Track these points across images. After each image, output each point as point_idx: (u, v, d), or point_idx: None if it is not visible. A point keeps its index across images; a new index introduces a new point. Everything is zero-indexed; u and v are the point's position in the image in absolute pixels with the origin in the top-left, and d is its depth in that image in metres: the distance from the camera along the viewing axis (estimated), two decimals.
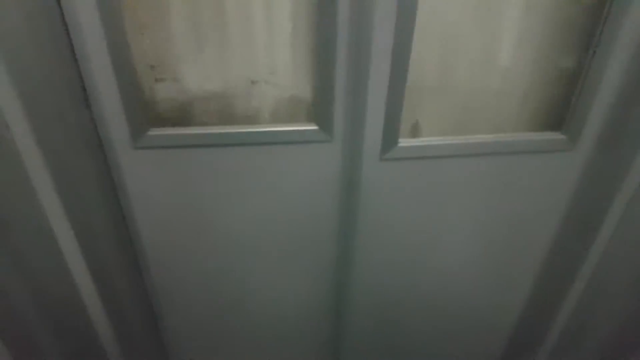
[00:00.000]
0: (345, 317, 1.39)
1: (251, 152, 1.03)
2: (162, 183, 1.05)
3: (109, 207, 1.09)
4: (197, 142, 0.99)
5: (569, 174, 1.12)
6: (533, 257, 1.30)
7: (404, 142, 1.04)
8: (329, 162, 1.08)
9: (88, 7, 0.82)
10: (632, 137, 1.01)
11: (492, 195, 1.15)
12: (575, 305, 1.28)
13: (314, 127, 1.02)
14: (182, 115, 0.98)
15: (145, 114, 0.96)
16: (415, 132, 1.06)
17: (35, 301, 1.04)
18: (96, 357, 1.21)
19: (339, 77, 0.95)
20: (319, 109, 1.00)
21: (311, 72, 0.97)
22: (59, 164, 0.91)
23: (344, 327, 1.42)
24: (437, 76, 1.01)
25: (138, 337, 1.32)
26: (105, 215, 1.09)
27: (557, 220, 1.21)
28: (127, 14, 0.85)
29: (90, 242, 1.04)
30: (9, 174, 0.86)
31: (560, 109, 1.04)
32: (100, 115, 0.94)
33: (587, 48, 0.97)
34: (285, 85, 0.99)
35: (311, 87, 0.99)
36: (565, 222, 1.21)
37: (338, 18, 0.88)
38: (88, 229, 1.03)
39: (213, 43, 0.92)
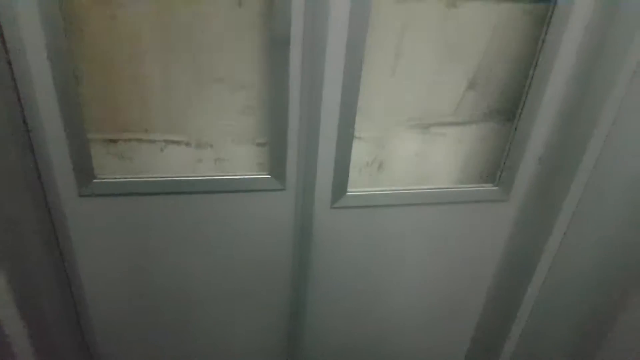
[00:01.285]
0: None
1: (201, 199, 1.03)
2: (107, 231, 1.02)
3: (49, 256, 1.03)
4: (144, 190, 0.98)
5: (504, 222, 1.22)
6: (475, 298, 1.38)
7: (352, 191, 1.09)
8: (281, 210, 1.10)
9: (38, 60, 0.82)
10: (558, 189, 1.12)
11: (435, 241, 1.21)
12: (516, 346, 1.35)
13: (267, 176, 1.05)
14: (128, 164, 0.98)
15: (91, 161, 0.94)
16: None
17: None
18: None
19: (291, 129, 1.00)
20: (272, 159, 1.03)
21: (265, 125, 1.00)
22: None
23: None
24: (382, 131, 1.09)
25: None
26: (45, 266, 1.03)
27: (495, 263, 1.30)
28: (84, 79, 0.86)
29: (29, 295, 0.98)
30: None
31: (494, 164, 1.14)
32: (46, 161, 0.92)
33: (514, 111, 1.08)
34: (239, 140, 1.02)
35: (265, 140, 1.02)
36: (502, 264, 1.30)
37: (290, 72, 0.93)
38: (27, 280, 0.97)
39: (168, 104, 0.94)
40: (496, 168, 1.14)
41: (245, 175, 1.03)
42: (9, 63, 0.82)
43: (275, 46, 0.90)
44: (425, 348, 1.46)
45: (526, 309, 1.28)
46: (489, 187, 1.15)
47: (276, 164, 1.03)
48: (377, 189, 1.11)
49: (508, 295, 1.31)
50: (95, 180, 0.96)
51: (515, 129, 1.08)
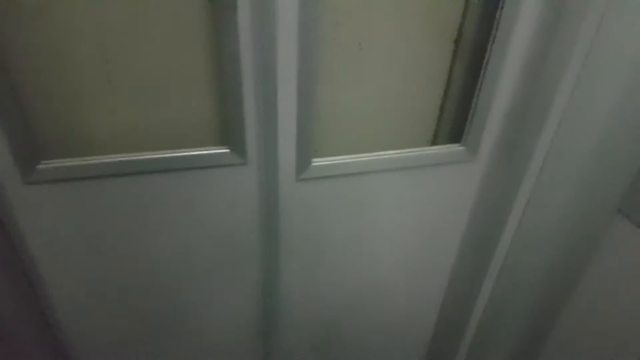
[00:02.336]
0: (274, 338, 1.37)
1: (157, 179, 0.98)
2: (60, 219, 0.96)
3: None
4: (97, 173, 0.92)
5: (470, 183, 1.21)
6: (445, 260, 1.39)
7: (317, 161, 1.05)
8: (244, 185, 1.06)
9: None
10: (525, 147, 1.12)
11: (403, 206, 1.20)
12: (486, 304, 1.37)
13: (226, 150, 1.00)
14: (78, 144, 0.91)
15: (34, 144, 0.88)
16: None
17: None
18: None
19: (247, 99, 0.94)
20: (230, 132, 0.98)
21: (220, 97, 0.95)
22: None
23: (273, 347, 1.40)
24: (345, 97, 1.05)
25: None
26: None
27: (463, 225, 1.30)
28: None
29: None
30: None
31: (460, 123, 1.12)
32: None
33: (479, 66, 1.05)
34: (195, 112, 0.96)
35: (221, 111, 0.97)
36: (470, 226, 1.30)
37: (240, 37, 0.86)
38: None
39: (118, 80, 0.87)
40: (462, 128, 1.12)
41: (203, 150, 0.98)
42: None
43: (222, 10, 0.84)
44: (399, 313, 1.49)
45: (495, 266, 1.30)
46: (455, 147, 1.13)
47: (235, 137, 0.98)
48: (343, 157, 1.08)
49: (476, 257, 1.33)
50: (39, 166, 0.89)
51: (480, 87, 1.05)
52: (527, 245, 1.25)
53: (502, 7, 0.95)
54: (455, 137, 1.14)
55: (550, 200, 1.17)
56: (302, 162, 1.04)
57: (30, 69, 0.82)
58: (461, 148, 1.12)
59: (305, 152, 1.03)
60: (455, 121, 1.14)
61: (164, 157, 0.96)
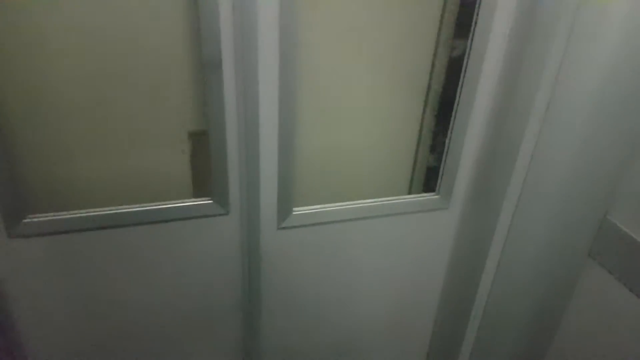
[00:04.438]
0: None
1: (140, 231, 1.00)
2: (44, 273, 0.97)
3: None
4: (82, 226, 0.95)
5: (447, 229, 1.26)
6: (427, 305, 1.40)
7: (298, 210, 1.09)
8: (227, 235, 1.08)
9: None
10: (496, 194, 1.17)
11: (383, 253, 1.23)
12: (471, 349, 1.38)
13: (209, 201, 1.04)
14: (64, 199, 0.94)
15: (20, 199, 0.90)
16: None
17: None
18: None
19: (231, 151, 0.99)
20: (213, 183, 1.02)
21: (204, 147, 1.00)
22: None
23: None
24: (324, 148, 1.10)
25: None
26: None
27: (443, 271, 1.34)
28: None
29: None
30: None
31: (434, 173, 1.18)
32: None
33: (448, 122, 1.12)
34: (179, 162, 1.00)
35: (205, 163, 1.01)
36: (450, 271, 1.33)
37: (225, 93, 0.92)
38: None
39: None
40: (436, 177, 1.17)
41: (186, 202, 1.02)
42: None
43: (208, 69, 0.90)
44: (383, 356, 1.47)
45: (477, 310, 1.31)
46: (430, 196, 1.18)
47: (218, 188, 1.02)
48: (323, 205, 1.11)
49: (459, 300, 1.34)
50: (25, 220, 0.92)
51: (450, 137, 1.11)
52: (506, 289, 1.27)
53: (467, 62, 1.03)
54: (431, 185, 1.19)
55: (525, 243, 1.21)
56: (284, 211, 1.08)
57: (17, 128, 0.87)
58: (436, 196, 1.17)
59: (286, 201, 1.07)
60: (429, 170, 1.19)
61: (147, 210, 0.99)
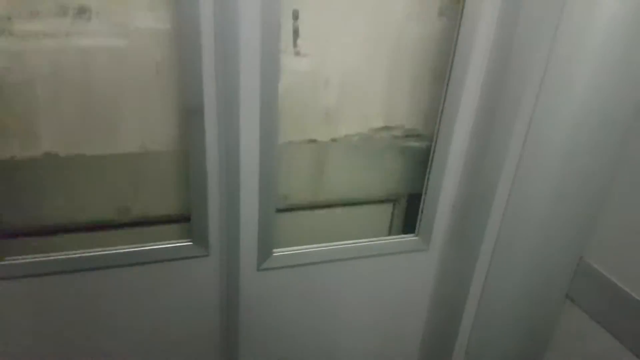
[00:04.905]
0: None
1: (119, 273, 1.00)
2: (18, 315, 0.96)
3: None
4: (59, 269, 0.95)
5: (427, 270, 1.27)
6: (409, 347, 1.39)
7: (277, 251, 1.10)
8: (206, 276, 1.08)
9: None
10: (474, 235, 1.19)
11: (363, 294, 1.24)
12: None
13: (189, 243, 1.04)
14: (42, 242, 0.95)
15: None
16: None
17: None
18: None
19: (212, 194, 1.01)
20: (193, 225, 1.03)
21: (184, 191, 1.01)
22: None
23: None
24: (305, 194, 1.12)
25: None
26: None
27: (424, 311, 1.34)
28: None
29: None
30: None
31: (414, 216, 1.20)
32: None
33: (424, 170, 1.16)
34: (158, 205, 1.02)
35: (184, 204, 1.02)
36: (431, 312, 1.33)
37: (206, 139, 0.95)
38: None
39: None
40: (415, 219, 1.19)
41: (167, 244, 1.02)
42: None
43: (190, 114, 0.93)
44: None
45: (460, 354, 1.30)
46: (410, 237, 1.20)
47: (198, 230, 1.03)
48: (303, 246, 1.12)
49: (441, 340, 1.33)
50: (2, 263, 0.91)
51: (428, 180, 1.14)
52: (487, 332, 1.27)
53: (441, 113, 1.08)
54: (410, 227, 1.21)
55: (503, 285, 1.22)
56: (264, 253, 1.09)
57: None
58: (415, 238, 1.19)
59: (266, 243, 1.08)
60: (408, 213, 1.22)
61: (127, 252, 0.99)
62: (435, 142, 1.10)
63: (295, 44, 0.98)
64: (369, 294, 1.24)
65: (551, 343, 1.19)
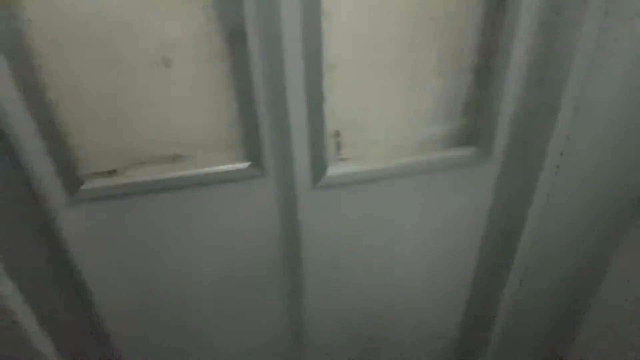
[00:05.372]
0: (304, 343, 1.42)
1: (183, 196, 1.06)
2: (101, 234, 1.07)
3: (52, 264, 1.10)
4: (131, 191, 1.02)
5: (486, 184, 1.22)
6: (467, 260, 1.39)
7: (332, 170, 1.11)
8: (264, 196, 1.12)
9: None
10: (539, 144, 1.11)
11: (421, 210, 1.23)
12: (510, 305, 1.36)
13: (246, 164, 1.07)
14: (115, 167, 1.02)
15: (76, 168, 0.99)
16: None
17: None
18: None
19: (261, 114, 1.01)
20: (247, 146, 1.05)
21: (236, 114, 1.03)
22: None
23: (304, 352, 1.45)
24: (356, 106, 1.09)
25: None
26: (49, 273, 1.10)
27: (482, 226, 1.31)
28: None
29: (39, 303, 1.05)
30: None
31: (471, 126, 1.14)
32: (32, 172, 0.96)
33: (486, 70, 1.07)
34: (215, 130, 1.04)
35: (238, 127, 1.04)
36: (490, 227, 1.30)
37: (252, 59, 0.94)
38: (36, 291, 1.04)
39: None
40: (474, 130, 1.13)
41: (225, 166, 1.06)
42: None
43: (232, 39, 0.91)
44: (422, 318, 1.49)
45: (518, 267, 1.28)
46: (468, 150, 1.14)
47: (252, 151, 1.05)
48: (358, 164, 1.12)
49: (498, 257, 1.32)
50: (82, 187, 1.01)
51: (489, 84, 1.06)
52: (549, 244, 1.23)
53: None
54: (469, 138, 1.15)
55: (569, 195, 1.15)
56: (318, 171, 1.10)
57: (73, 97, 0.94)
58: (474, 150, 1.14)
59: (319, 160, 1.09)
60: (467, 123, 1.15)
61: (191, 174, 1.05)
62: (498, 37, 1.00)
63: None
64: (426, 210, 1.23)
65: (616, 255, 1.13)
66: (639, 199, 1.05)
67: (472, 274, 1.41)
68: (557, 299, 1.32)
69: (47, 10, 0.83)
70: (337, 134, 1.10)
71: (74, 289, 1.15)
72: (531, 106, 1.09)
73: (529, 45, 1.01)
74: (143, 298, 1.21)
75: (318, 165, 1.09)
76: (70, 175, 0.98)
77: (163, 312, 1.25)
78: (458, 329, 1.57)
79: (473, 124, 1.13)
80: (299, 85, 0.97)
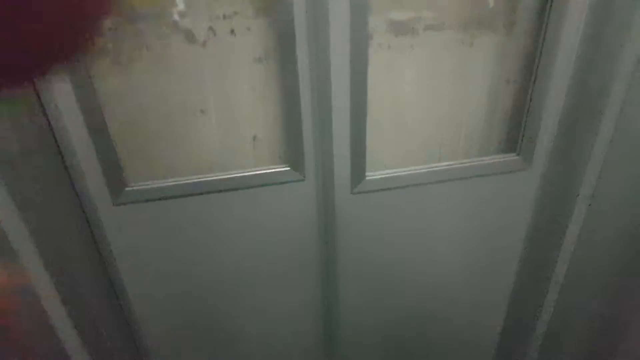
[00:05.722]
0: (335, 350, 1.42)
1: (229, 197, 1.07)
2: (143, 235, 1.08)
3: (92, 264, 1.11)
4: (174, 194, 1.03)
5: (528, 190, 1.20)
6: (507, 270, 1.37)
7: (371, 175, 1.10)
8: (303, 200, 1.12)
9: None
10: (579, 151, 1.10)
11: (460, 217, 1.21)
12: (553, 309, 1.33)
13: (287, 168, 1.08)
14: (159, 169, 1.03)
15: (122, 170, 1.00)
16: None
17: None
18: None
19: (306, 119, 1.02)
20: (289, 150, 1.06)
21: (280, 118, 1.03)
22: (39, 224, 0.93)
23: (336, 354, 1.44)
24: (396, 111, 1.09)
25: None
26: (89, 273, 1.11)
27: (523, 232, 1.29)
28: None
29: (76, 303, 1.05)
30: None
31: (513, 133, 1.13)
32: (79, 175, 0.98)
33: (529, 77, 1.06)
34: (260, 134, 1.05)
35: (281, 131, 1.05)
36: (532, 232, 1.28)
37: (299, 68, 0.95)
38: (73, 290, 1.05)
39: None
40: (516, 136, 1.12)
41: (266, 169, 1.07)
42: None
43: (282, 38, 0.92)
44: (460, 325, 1.47)
45: (558, 278, 1.26)
46: (510, 156, 1.13)
47: (294, 155, 1.06)
48: (396, 169, 1.11)
49: (539, 264, 1.30)
50: (127, 189, 1.02)
51: (532, 92, 1.05)
52: (591, 249, 1.21)
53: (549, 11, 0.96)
54: (510, 145, 1.14)
55: (610, 203, 1.13)
56: (357, 176, 1.10)
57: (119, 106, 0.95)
58: (516, 157, 1.13)
59: (359, 166, 1.08)
60: (509, 130, 1.14)
61: (234, 177, 1.05)
62: (542, 43, 0.99)
63: None
64: (466, 215, 1.22)
65: None
66: None
67: (512, 281, 1.39)
68: (599, 306, 1.29)
69: None
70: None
71: (112, 289, 1.16)
72: (574, 114, 1.08)
73: (573, 55, 1.00)
74: (180, 298, 1.21)
75: (357, 171, 1.09)
76: (115, 177, 1.00)
77: (200, 312, 1.25)
78: (497, 336, 1.55)
79: (515, 131, 1.12)
80: (345, 94, 0.98)
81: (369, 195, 1.13)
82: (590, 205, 1.16)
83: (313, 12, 0.89)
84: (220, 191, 1.06)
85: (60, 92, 0.87)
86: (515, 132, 1.12)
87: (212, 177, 1.04)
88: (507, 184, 1.17)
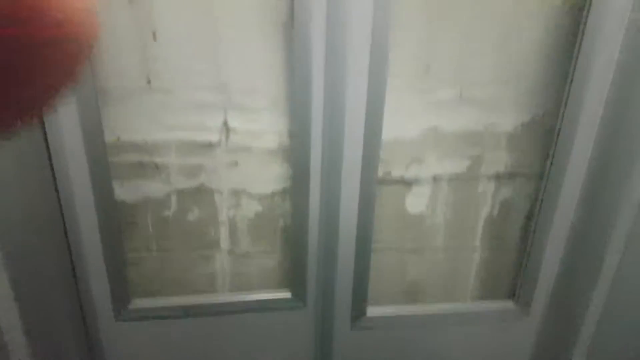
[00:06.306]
0: None
1: (224, 320, 1.08)
2: (142, 352, 1.08)
3: None
4: (174, 314, 1.05)
5: (527, 337, 1.20)
6: None
7: (371, 312, 1.11)
8: (302, 328, 1.13)
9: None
10: (579, 301, 1.11)
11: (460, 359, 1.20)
12: None
13: (288, 294, 1.09)
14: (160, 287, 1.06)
15: (127, 288, 1.03)
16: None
17: None
18: None
19: (312, 248, 1.05)
20: (292, 277, 1.08)
21: (284, 243, 1.07)
22: (39, 335, 0.93)
23: None
24: (398, 255, 1.13)
25: None
26: None
27: None
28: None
29: None
30: None
31: (511, 280, 1.15)
32: (86, 290, 1.00)
33: (528, 227, 1.11)
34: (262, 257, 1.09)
35: (285, 257, 1.08)
36: None
37: (310, 200, 1.00)
38: None
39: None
40: (514, 284, 1.14)
41: (267, 294, 1.08)
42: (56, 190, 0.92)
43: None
44: None
45: None
46: (509, 304, 1.15)
47: (297, 283, 1.08)
48: (396, 308, 1.13)
49: None
50: (130, 306, 1.04)
51: (531, 244, 1.09)
52: None
53: (551, 163, 1.04)
54: (507, 292, 1.16)
55: (609, 352, 1.11)
56: (357, 312, 1.11)
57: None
58: (514, 306, 1.14)
59: (360, 302, 1.10)
60: (505, 277, 1.17)
61: (233, 301, 1.07)
62: (542, 201, 1.06)
63: None
64: (464, 358, 1.20)
65: None
66: None
67: None
68: None
69: None
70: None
71: None
72: (572, 266, 1.11)
73: (570, 211, 1.06)
74: None
75: (358, 306, 1.10)
76: (119, 295, 1.02)
77: None
78: None
79: (510, 280, 1.14)
80: (351, 227, 1.03)
81: (367, 332, 1.13)
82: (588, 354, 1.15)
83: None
84: (216, 314, 1.07)
85: None
86: (514, 280, 1.14)
87: (212, 299, 1.06)
88: (507, 330, 1.17)
